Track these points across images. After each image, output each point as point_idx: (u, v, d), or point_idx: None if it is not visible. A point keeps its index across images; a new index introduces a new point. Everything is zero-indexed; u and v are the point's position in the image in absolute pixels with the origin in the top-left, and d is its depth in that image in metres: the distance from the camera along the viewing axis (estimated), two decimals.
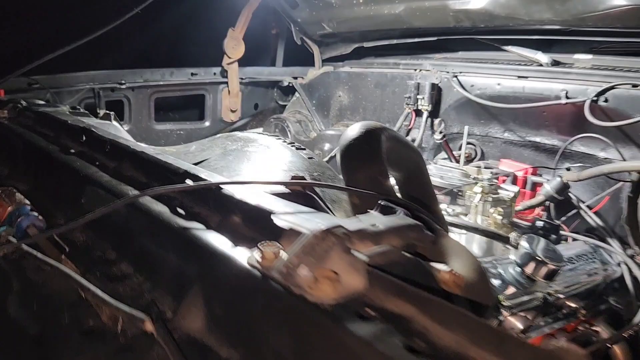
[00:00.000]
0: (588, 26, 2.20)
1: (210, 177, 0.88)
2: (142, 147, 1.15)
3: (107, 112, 1.71)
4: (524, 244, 1.61)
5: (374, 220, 0.74)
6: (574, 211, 2.28)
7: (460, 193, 2.01)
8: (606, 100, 2.18)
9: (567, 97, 2.27)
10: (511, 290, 1.61)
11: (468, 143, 2.75)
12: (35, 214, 1.04)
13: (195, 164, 1.36)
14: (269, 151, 1.34)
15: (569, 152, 2.41)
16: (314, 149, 3.25)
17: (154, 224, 0.81)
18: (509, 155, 2.61)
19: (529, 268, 1.58)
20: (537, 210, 2.28)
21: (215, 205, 0.81)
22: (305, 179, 1.01)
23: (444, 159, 2.72)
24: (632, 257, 2.05)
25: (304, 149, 1.39)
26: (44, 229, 0.99)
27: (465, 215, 1.99)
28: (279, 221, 0.70)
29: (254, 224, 0.75)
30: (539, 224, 2.12)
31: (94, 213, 0.78)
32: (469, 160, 2.73)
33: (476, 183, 1.96)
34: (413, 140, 2.89)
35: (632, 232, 1.99)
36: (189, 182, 0.87)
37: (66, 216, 1.03)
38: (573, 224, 2.25)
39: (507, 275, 1.63)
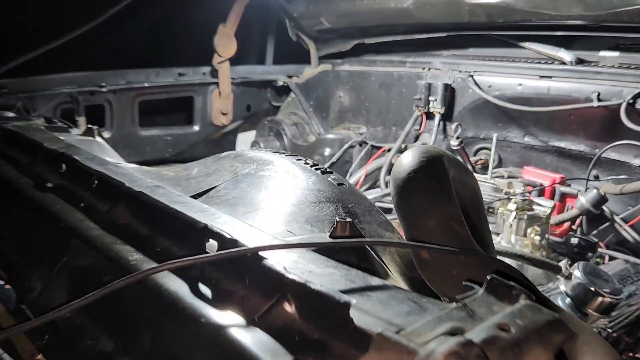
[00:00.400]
0: (623, 21, 2.00)
1: (242, 233, 0.65)
2: (140, 181, 0.90)
3: (90, 126, 1.46)
4: (577, 273, 1.41)
5: (494, 312, 0.51)
6: (606, 224, 2.10)
7: (490, 209, 1.80)
8: None
9: (600, 100, 2.07)
10: None
11: (483, 148, 2.55)
12: (1, 282, 0.78)
13: (202, 193, 1.12)
14: (290, 177, 1.11)
15: (592, 158, 2.21)
16: (314, 155, 3.02)
17: (167, 309, 0.57)
18: (529, 162, 2.41)
19: (583, 301, 1.39)
20: (566, 224, 2.09)
21: (255, 281, 0.58)
22: (353, 223, 0.77)
23: None
24: None
25: (331, 173, 1.16)
26: (13, 302, 0.74)
27: (497, 235, 1.78)
28: (371, 326, 0.47)
29: (316, 318, 0.52)
30: (574, 241, 1.92)
31: (84, 298, 0.54)
32: (484, 167, 2.52)
33: (509, 198, 1.75)
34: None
35: None
36: (212, 243, 0.63)
37: (43, 280, 0.79)
38: (606, 239, 2.06)
39: None
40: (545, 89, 2.25)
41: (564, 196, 2.13)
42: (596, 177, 2.25)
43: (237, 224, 0.72)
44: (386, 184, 2.70)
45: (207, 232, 0.65)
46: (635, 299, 1.62)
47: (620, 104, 2.00)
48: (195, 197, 1.12)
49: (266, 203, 1.04)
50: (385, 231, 1.04)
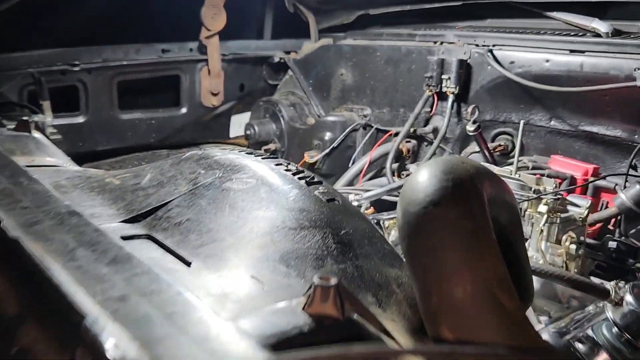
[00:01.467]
0: None
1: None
2: (45, 207, 0.63)
3: (25, 118, 1.18)
4: (629, 298, 1.14)
5: None
6: None
7: None
8: None
9: None
10: (603, 357, 1.16)
11: (503, 133, 2.26)
12: None
13: (148, 212, 0.85)
14: (264, 191, 0.83)
15: (630, 145, 1.92)
16: (313, 139, 2.74)
17: None
18: (555, 149, 2.12)
19: (636, 332, 1.12)
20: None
21: None
22: (340, 287, 0.51)
23: (475, 152, 2.22)
24: None
25: (320, 183, 0.88)
26: None
27: (525, 241, 1.51)
28: None
29: None
30: (612, 245, 1.65)
31: None
32: (503, 153, 2.24)
33: (539, 198, 1.47)
34: (435, 130, 2.39)
35: None
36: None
37: None
38: None
39: (599, 338, 1.17)
40: (577, 65, 1.94)
41: (598, 190, 1.85)
42: (634, 168, 1.96)
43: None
44: (393, 173, 2.42)
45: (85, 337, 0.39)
46: None
47: None
48: (138, 218, 0.85)
49: (228, 231, 0.77)
50: (391, 268, 0.77)
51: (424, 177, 0.59)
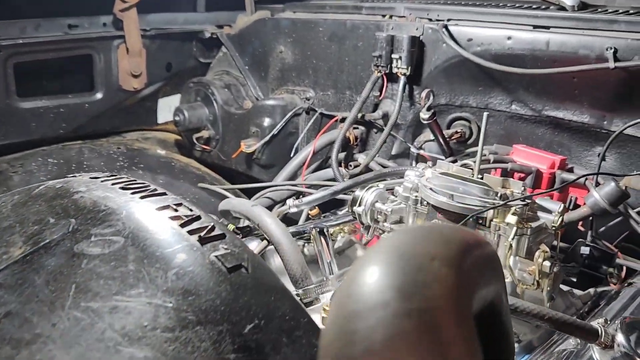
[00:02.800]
0: None
1: None
2: None
3: None
4: (621, 339, 0.94)
5: None
6: (616, 220, 1.65)
7: (480, 221, 1.29)
8: None
9: (617, 59, 1.56)
10: None
11: (460, 119, 2.03)
12: None
13: None
14: (134, 258, 0.55)
15: (604, 134, 1.73)
16: (250, 125, 2.44)
17: None
18: (516, 135, 1.92)
19: None
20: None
21: None
22: None
23: (429, 141, 1.99)
24: None
25: (221, 237, 0.61)
26: None
27: None
28: None
29: None
30: (584, 250, 1.46)
31: None
32: (460, 141, 2.02)
33: (507, 205, 1.25)
34: (385, 116, 2.13)
35: None
36: None
37: None
38: (618, 239, 1.62)
39: None
40: (542, 43, 1.72)
41: (565, 186, 1.66)
42: (601, 157, 1.78)
43: None
44: (340, 163, 2.17)
45: None
46: None
47: None
48: None
49: (65, 340, 0.49)
50: None
51: (370, 284, 0.33)
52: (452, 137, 1.98)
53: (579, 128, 1.78)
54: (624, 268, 1.45)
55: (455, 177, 1.33)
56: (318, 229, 1.54)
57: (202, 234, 0.60)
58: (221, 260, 0.56)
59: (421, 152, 1.99)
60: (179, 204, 0.65)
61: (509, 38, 1.78)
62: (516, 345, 1.27)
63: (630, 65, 1.53)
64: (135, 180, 0.72)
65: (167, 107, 2.78)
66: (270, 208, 2.02)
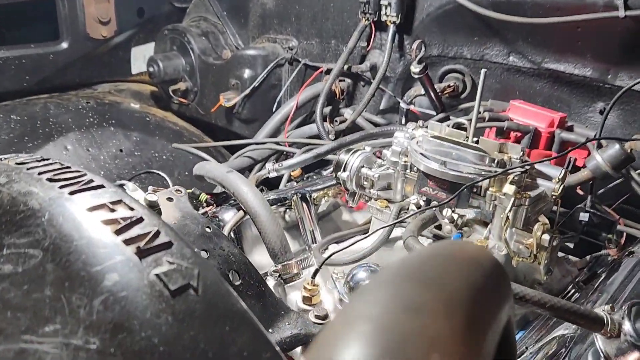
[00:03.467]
0: None
1: None
2: None
3: None
4: (628, 328, 0.86)
5: None
6: (616, 182, 1.55)
7: (475, 190, 1.19)
8: None
9: (628, 7, 1.42)
10: None
11: (452, 71, 1.90)
12: None
13: None
14: (53, 278, 0.45)
15: (607, 88, 1.62)
16: (230, 77, 2.29)
17: None
18: (513, 89, 1.80)
19: None
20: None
21: None
22: None
23: (420, 95, 1.86)
24: None
25: (167, 246, 0.50)
26: None
27: (486, 225, 1.20)
28: None
29: None
30: (584, 217, 1.37)
31: None
32: (452, 95, 1.89)
33: (505, 173, 1.15)
34: (373, 68, 1.99)
35: None
36: None
37: None
38: (617, 203, 1.53)
39: None
40: None
41: (564, 144, 1.55)
42: (601, 112, 1.67)
43: None
44: (325, 118, 2.05)
45: None
46: None
47: None
48: None
49: None
50: None
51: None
52: (445, 92, 1.85)
53: (581, 82, 1.66)
54: (624, 234, 1.37)
55: (448, 141, 1.22)
56: (300, 195, 1.43)
57: (141, 243, 0.48)
58: (163, 279, 0.45)
59: (411, 107, 1.87)
60: (118, 201, 0.53)
61: None
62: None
63: None
64: (68, 168, 0.60)
65: (141, 57, 2.60)
66: (250, 168, 1.91)
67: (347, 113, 2.04)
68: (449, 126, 1.36)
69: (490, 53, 1.78)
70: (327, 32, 2.10)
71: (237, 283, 1.00)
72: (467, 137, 1.24)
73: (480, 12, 1.65)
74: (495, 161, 1.17)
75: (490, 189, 1.16)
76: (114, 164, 1.99)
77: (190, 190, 1.26)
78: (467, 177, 1.15)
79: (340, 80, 2.06)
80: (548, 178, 1.22)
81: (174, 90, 2.43)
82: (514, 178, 1.13)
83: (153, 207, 0.98)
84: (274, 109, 2.21)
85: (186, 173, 1.99)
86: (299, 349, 1.03)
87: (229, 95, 2.25)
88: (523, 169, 1.15)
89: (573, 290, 1.29)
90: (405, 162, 1.27)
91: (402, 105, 1.86)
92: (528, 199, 1.13)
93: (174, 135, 2.24)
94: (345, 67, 1.97)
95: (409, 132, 1.31)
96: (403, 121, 1.88)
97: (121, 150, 2.04)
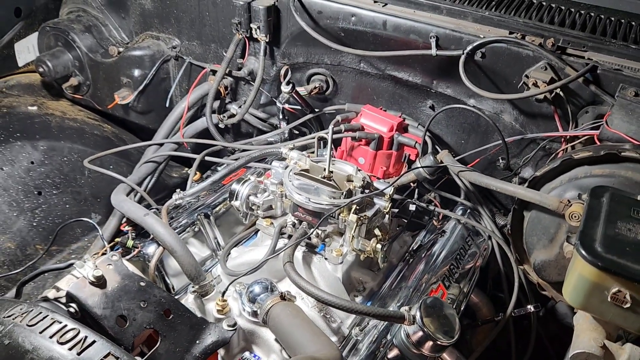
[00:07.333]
0: None
1: None
2: None
3: None
4: (418, 318, 1.42)
5: None
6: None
7: (332, 214, 1.66)
8: (483, 56, 1.83)
9: (439, 47, 1.85)
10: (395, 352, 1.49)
11: (317, 74, 2.27)
12: None
13: None
14: None
15: (433, 92, 2.09)
16: (120, 76, 2.50)
17: None
18: (365, 88, 2.22)
19: (418, 342, 1.43)
20: None
21: None
22: None
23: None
24: (501, 228, 1.98)
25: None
26: None
27: (341, 235, 1.69)
28: None
29: None
30: (412, 207, 1.91)
31: None
32: (319, 93, 2.28)
33: (351, 203, 1.62)
34: (251, 73, 2.31)
35: None
36: None
37: None
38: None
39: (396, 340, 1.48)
40: (380, 25, 1.95)
41: (401, 145, 2.04)
42: (432, 107, 2.16)
43: None
44: (214, 111, 2.36)
45: None
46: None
47: (459, 56, 1.82)
48: None
49: None
50: None
51: None
52: (312, 92, 2.24)
53: (414, 86, 2.12)
54: (440, 215, 1.94)
55: (310, 179, 1.66)
56: (203, 214, 1.84)
57: None
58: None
59: (286, 106, 2.24)
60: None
61: (353, 15, 1.98)
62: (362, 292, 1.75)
63: (448, 55, 1.85)
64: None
65: (24, 49, 2.68)
66: (154, 171, 2.22)
67: (233, 108, 2.38)
68: (313, 153, 1.80)
69: (346, 60, 2.17)
70: (206, 37, 2.35)
71: (170, 317, 1.43)
72: (325, 169, 1.68)
73: (325, 42, 2.01)
74: (344, 193, 1.63)
75: (341, 215, 1.63)
76: (28, 177, 2.22)
77: (118, 240, 1.64)
78: (325, 208, 1.61)
79: (225, 80, 2.36)
80: (383, 194, 1.71)
81: (66, 87, 2.58)
82: (356, 209, 1.61)
83: (100, 280, 1.36)
84: (167, 104, 2.48)
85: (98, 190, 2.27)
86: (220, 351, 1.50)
87: (123, 94, 2.47)
88: (363, 195, 1.63)
89: (408, 256, 1.86)
90: (281, 191, 1.69)
91: (278, 104, 2.23)
92: (367, 219, 1.62)
93: (77, 135, 2.45)
94: (227, 71, 2.26)
95: (285, 153, 1.73)
96: (281, 117, 2.26)
97: (32, 163, 2.25)
